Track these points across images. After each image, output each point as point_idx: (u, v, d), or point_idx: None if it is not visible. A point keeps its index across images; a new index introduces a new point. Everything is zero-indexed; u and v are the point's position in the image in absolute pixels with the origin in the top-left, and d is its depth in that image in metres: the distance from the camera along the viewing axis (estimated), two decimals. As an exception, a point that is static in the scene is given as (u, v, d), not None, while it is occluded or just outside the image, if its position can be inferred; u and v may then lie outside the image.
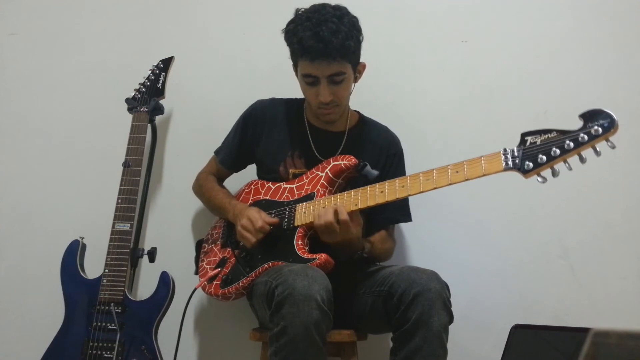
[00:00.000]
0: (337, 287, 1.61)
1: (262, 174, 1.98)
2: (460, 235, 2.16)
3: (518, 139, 1.52)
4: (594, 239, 2.13)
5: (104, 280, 1.88)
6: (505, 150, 1.52)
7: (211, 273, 1.84)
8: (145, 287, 2.08)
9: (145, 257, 1.97)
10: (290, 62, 1.85)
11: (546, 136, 1.47)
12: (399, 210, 1.94)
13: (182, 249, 2.12)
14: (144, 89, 2.11)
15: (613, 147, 1.42)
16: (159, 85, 2.11)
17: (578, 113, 1.47)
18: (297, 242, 1.73)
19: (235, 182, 2.07)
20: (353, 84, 1.86)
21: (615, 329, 0.79)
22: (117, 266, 1.88)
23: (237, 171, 2.07)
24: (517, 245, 2.15)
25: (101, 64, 2.31)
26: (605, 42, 2.23)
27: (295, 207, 1.79)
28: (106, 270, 1.88)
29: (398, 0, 2.30)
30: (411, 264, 2.07)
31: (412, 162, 1.99)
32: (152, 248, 1.98)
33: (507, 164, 1.50)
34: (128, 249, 1.91)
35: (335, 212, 1.65)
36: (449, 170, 1.57)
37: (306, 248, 1.73)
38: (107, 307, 1.85)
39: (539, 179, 1.48)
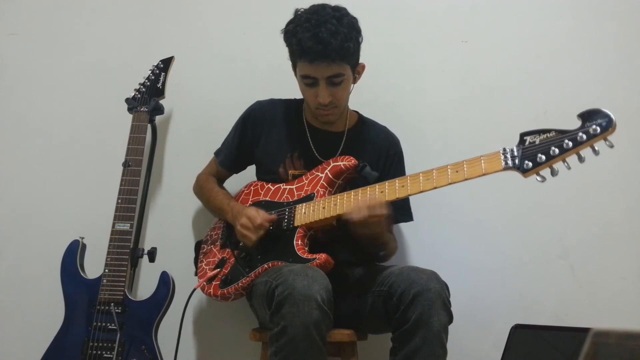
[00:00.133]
0: (337, 287, 1.61)
1: (262, 175, 1.98)
2: (459, 235, 2.16)
3: (518, 139, 1.52)
4: (594, 239, 2.13)
5: (104, 280, 1.88)
6: (504, 149, 1.52)
7: (210, 273, 1.84)
8: (145, 287, 2.08)
9: (145, 257, 1.97)
10: (290, 63, 1.85)
11: (545, 136, 1.48)
12: (400, 210, 1.94)
13: (182, 249, 2.12)
14: (144, 89, 2.11)
15: (611, 146, 1.43)
16: (159, 85, 2.11)
17: (578, 113, 1.47)
18: (297, 242, 1.73)
19: (235, 183, 2.07)
20: (352, 85, 1.86)
21: (615, 329, 0.79)
22: (117, 266, 1.88)
23: (237, 172, 2.07)
24: (517, 245, 2.15)
25: (101, 64, 2.31)
26: (605, 42, 2.23)
27: (295, 207, 1.79)
28: (106, 270, 1.88)
29: (398, 0, 2.30)
30: (411, 264, 2.08)
31: (412, 162, 1.99)
32: (152, 248, 1.98)
33: (506, 163, 1.51)
34: (128, 249, 1.91)
35: (378, 206, 1.63)
36: (449, 170, 1.57)
37: (306, 248, 1.73)
38: (107, 307, 1.85)
39: (538, 178, 1.48)
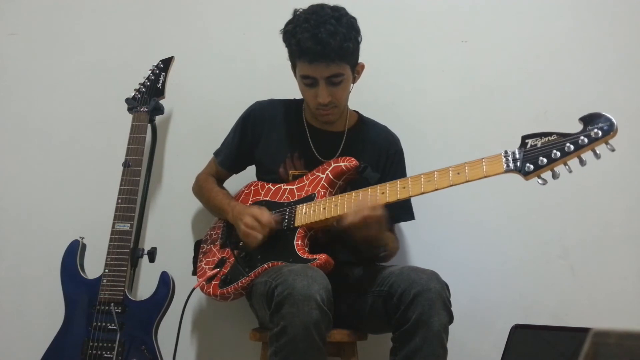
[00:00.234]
0: (337, 287, 1.61)
1: (262, 175, 1.98)
2: (460, 235, 2.16)
3: (518, 139, 1.53)
4: (594, 239, 2.13)
5: (104, 280, 1.88)
6: (506, 152, 1.53)
7: (210, 273, 1.84)
8: (145, 287, 2.08)
9: (145, 257, 1.97)
10: (290, 63, 1.85)
11: (547, 139, 1.49)
12: (401, 209, 1.93)
13: (182, 249, 2.11)
14: (144, 89, 2.11)
15: (612, 150, 1.44)
16: (159, 85, 2.11)
17: (578, 113, 1.48)
18: (297, 243, 1.73)
19: (235, 183, 2.07)
20: (352, 85, 1.86)
21: (615, 329, 0.79)
22: (117, 266, 1.88)
23: (236, 172, 2.07)
24: (517, 245, 2.15)
25: (101, 64, 2.31)
26: (605, 42, 2.23)
27: (296, 207, 1.79)
28: (106, 270, 1.88)
29: (398, 0, 2.30)
30: (411, 264, 2.08)
31: (412, 162, 1.99)
32: (152, 248, 1.98)
33: (508, 165, 1.51)
34: (128, 249, 1.91)
35: (373, 208, 1.64)
36: (450, 172, 1.57)
37: (306, 248, 1.73)
38: (107, 307, 1.85)
39: (540, 180, 1.49)
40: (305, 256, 1.69)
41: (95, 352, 1.83)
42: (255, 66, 2.28)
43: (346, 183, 1.85)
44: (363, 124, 2.00)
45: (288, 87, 1.95)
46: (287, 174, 1.91)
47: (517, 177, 1.52)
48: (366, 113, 2.03)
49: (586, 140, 1.44)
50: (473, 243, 2.16)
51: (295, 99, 2.01)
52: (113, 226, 1.92)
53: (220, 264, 1.85)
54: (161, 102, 2.11)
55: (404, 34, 2.28)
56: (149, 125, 2.08)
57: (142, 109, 2.07)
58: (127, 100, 2.10)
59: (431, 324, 1.55)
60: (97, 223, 2.02)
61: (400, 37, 2.28)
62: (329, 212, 1.72)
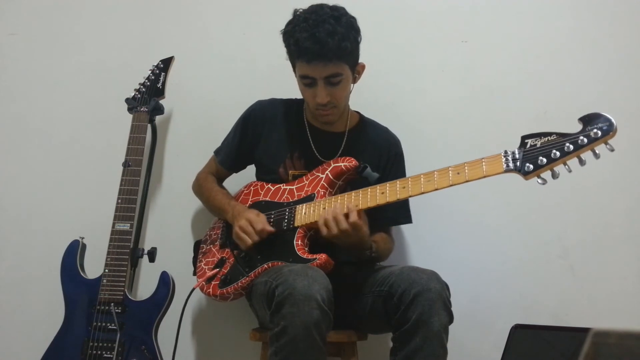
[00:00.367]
0: (337, 287, 1.61)
1: (262, 175, 1.98)
2: (460, 235, 2.16)
3: (518, 139, 1.53)
4: (594, 239, 2.13)
5: (104, 280, 1.88)
6: (505, 152, 1.53)
7: (209, 273, 1.83)
8: (145, 287, 2.08)
9: (145, 257, 1.97)
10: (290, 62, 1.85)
11: (546, 139, 1.49)
12: (399, 211, 1.94)
13: (182, 249, 2.11)
14: (144, 89, 2.11)
15: (612, 150, 1.44)
16: (159, 85, 2.11)
17: (578, 113, 1.48)
18: (297, 243, 1.73)
19: (235, 183, 2.07)
20: (352, 85, 1.86)
21: (615, 329, 0.79)
22: (117, 266, 1.88)
23: (236, 172, 2.07)
24: (517, 245, 2.15)
25: (101, 64, 2.31)
26: (605, 42, 2.23)
27: (295, 207, 1.79)
28: (106, 270, 1.88)
29: (398, 0, 2.30)
30: (411, 264, 2.07)
31: (412, 162, 1.99)
32: (152, 248, 1.98)
33: (507, 165, 1.51)
34: (128, 249, 1.91)
35: (346, 215, 1.65)
36: (450, 172, 1.58)
37: (306, 248, 1.73)
38: (107, 307, 1.85)
39: (539, 180, 1.49)
40: (305, 256, 1.69)
41: (95, 352, 1.83)
42: (255, 66, 2.28)
43: (346, 183, 1.85)
44: (364, 124, 2.00)
45: (288, 87, 1.95)
46: (287, 174, 1.91)
47: (517, 177, 1.52)
48: (366, 113, 2.03)
49: (585, 140, 1.44)
50: (473, 243, 2.15)
51: (296, 99, 2.00)
52: (113, 226, 1.92)
53: (220, 264, 1.85)
54: (161, 102, 2.11)
55: (404, 34, 2.28)
56: (149, 125, 2.08)
57: (142, 109, 2.07)
58: (127, 100, 2.10)
59: (431, 324, 1.55)
60: (97, 223, 2.02)
61: (400, 37, 2.28)
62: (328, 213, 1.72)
